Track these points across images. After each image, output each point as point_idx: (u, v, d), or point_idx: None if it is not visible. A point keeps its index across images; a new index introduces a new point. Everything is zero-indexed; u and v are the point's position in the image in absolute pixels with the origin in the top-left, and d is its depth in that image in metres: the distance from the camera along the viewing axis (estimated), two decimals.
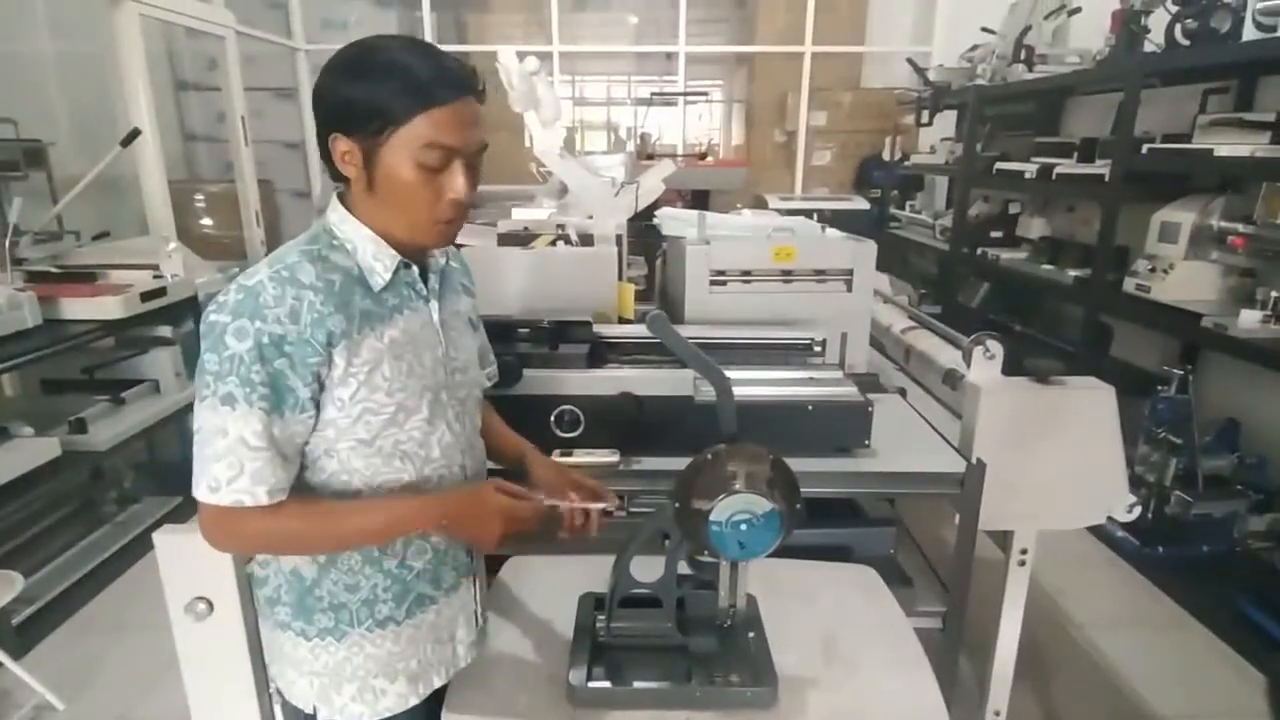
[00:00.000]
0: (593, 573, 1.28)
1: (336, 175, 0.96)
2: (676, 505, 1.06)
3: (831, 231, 1.95)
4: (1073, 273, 3.18)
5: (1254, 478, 2.55)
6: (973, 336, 1.59)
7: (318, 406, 0.94)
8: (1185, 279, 2.64)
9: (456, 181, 0.94)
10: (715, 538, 1.01)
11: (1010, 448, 1.52)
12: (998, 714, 1.76)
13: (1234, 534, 2.50)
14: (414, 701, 1.08)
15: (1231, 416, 2.72)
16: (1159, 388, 2.63)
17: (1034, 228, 3.80)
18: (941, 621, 1.56)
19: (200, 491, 0.90)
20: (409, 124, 0.90)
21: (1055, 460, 1.55)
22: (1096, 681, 2.16)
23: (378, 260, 0.97)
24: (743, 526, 1.00)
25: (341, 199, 1.00)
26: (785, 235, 1.86)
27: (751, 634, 1.18)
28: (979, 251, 3.93)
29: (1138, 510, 1.66)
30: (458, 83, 0.92)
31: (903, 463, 1.47)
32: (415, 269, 1.02)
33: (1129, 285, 2.83)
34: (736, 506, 0.99)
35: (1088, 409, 1.53)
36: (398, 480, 1.00)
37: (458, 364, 1.07)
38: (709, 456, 1.06)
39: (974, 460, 1.45)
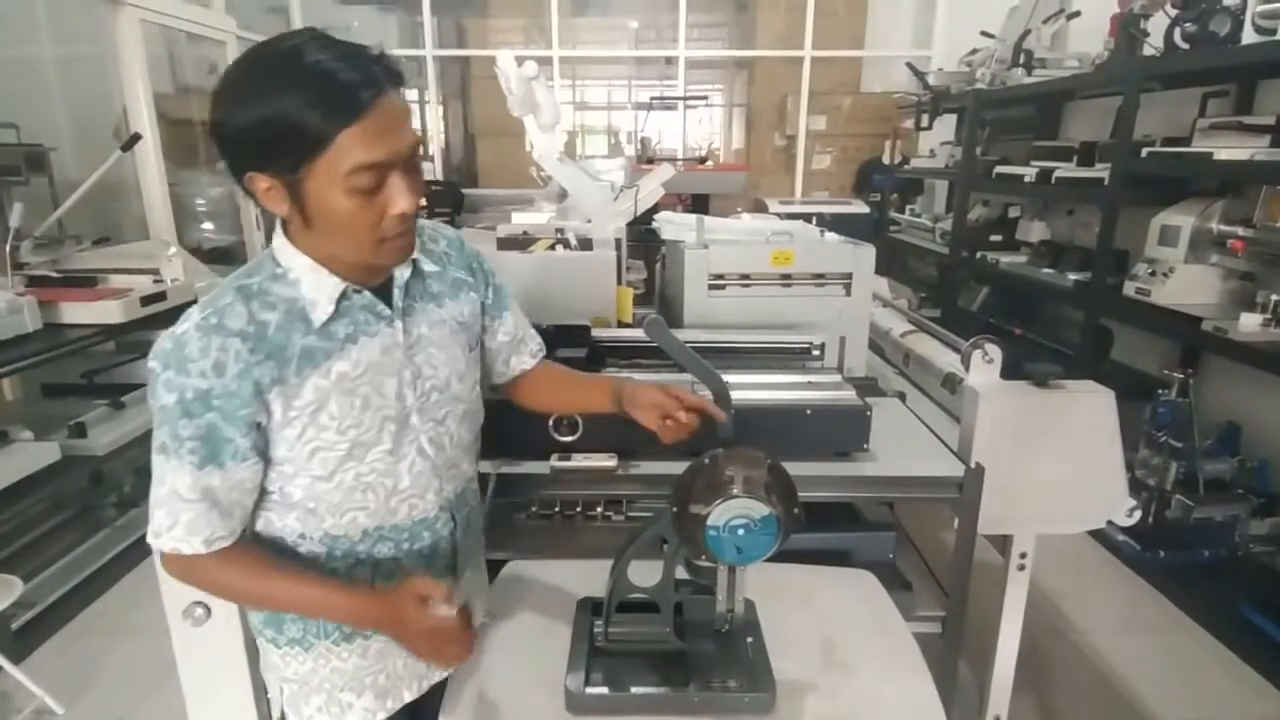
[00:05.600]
0: (591, 577, 1.27)
1: (269, 212, 0.88)
2: (674, 510, 1.06)
3: (830, 235, 1.95)
4: (1073, 276, 3.18)
5: (1255, 482, 2.54)
6: (971, 340, 1.58)
7: (265, 450, 0.91)
8: (1185, 282, 2.64)
9: (399, 198, 0.86)
10: (712, 543, 1.01)
11: (1009, 452, 1.52)
12: (998, 719, 1.76)
13: (1235, 538, 2.50)
14: (381, 717, 1.07)
15: (1232, 420, 2.72)
16: (1159, 391, 2.63)
17: (1034, 231, 3.79)
18: (941, 626, 1.55)
19: (148, 534, 0.90)
20: (327, 150, 0.81)
21: (1055, 464, 1.54)
22: (1097, 686, 2.15)
23: (319, 292, 0.91)
24: (740, 531, 1.00)
25: (284, 224, 0.93)
26: (784, 239, 1.86)
27: (750, 639, 1.18)
28: (979, 255, 3.93)
29: (1138, 514, 1.66)
30: (369, 79, 0.81)
31: (901, 467, 1.46)
32: (367, 294, 0.94)
33: (1129, 289, 2.83)
34: (734, 511, 0.99)
35: (1087, 412, 1.53)
36: (363, 509, 0.98)
37: (434, 383, 1.01)
38: (706, 461, 1.05)
39: (973, 464, 1.45)
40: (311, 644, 1.01)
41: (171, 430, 0.85)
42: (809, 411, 1.44)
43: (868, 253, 1.84)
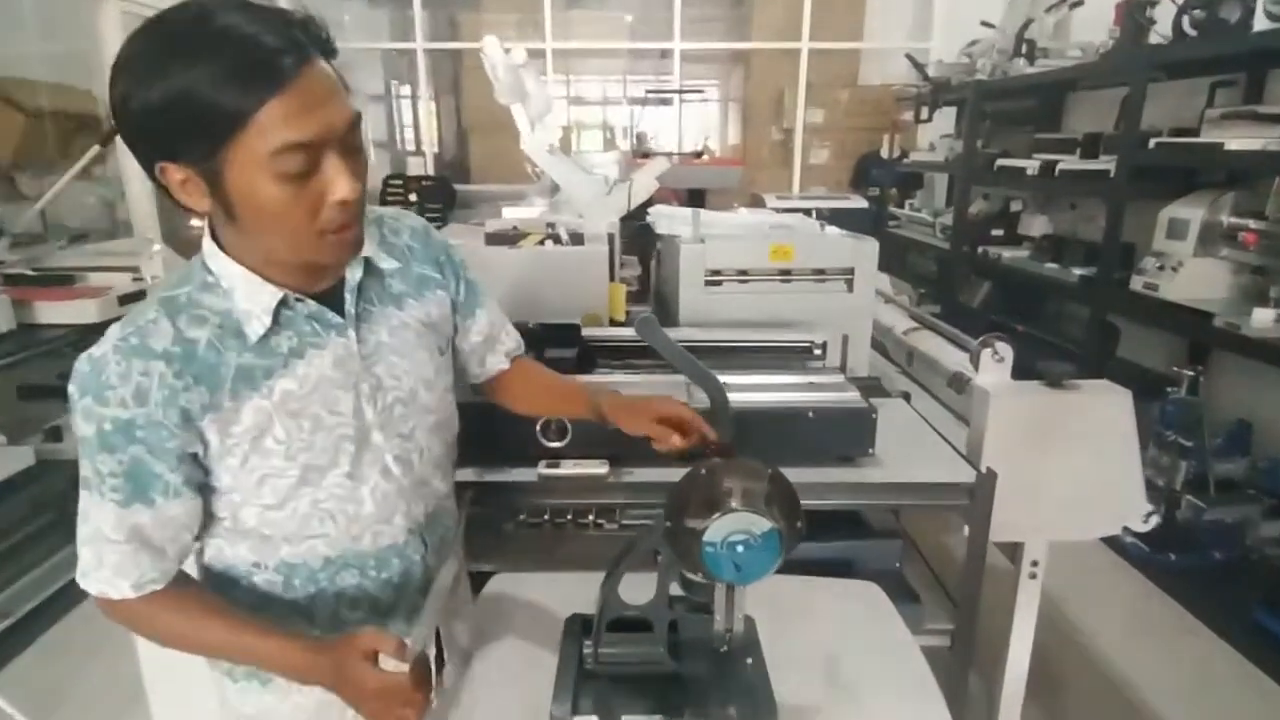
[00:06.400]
0: (582, 590, 1.18)
1: (188, 208, 0.77)
2: (668, 524, 0.98)
3: (831, 229, 1.88)
4: (1078, 271, 3.11)
5: (1267, 482, 2.47)
6: (981, 339, 1.51)
7: (204, 481, 0.82)
8: (1194, 277, 2.57)
9: (337, 181, 0.75)
10: (709, 560, 0.93)
11: (1021, 455, 1.44)
12: None
13: (1247, 540, 2.43)
14: None
15: (1242, 418, 2.65)
16: (1169, 389, 2.56)
17: (1035, 225, 3.73)
18: (950, 640, 1.48)
19: (77, 573, 0.82)
20: (246, 129, 0.70)
21: (1069, 468, 1.47)
22: (1107, 694, 2.08)
23: (253, 303, 0.81)
24: (739, 548, 0.92)
25: (212, 227, 0.82)
26: (783, 233, 1.79)
27: (749, 660, 1.10)
28: (980, 250, 3.86)
29: (1155, 520, 1.59)
30: (292, 44, 0.71)
31: (909, 472, 1.39)
32: (311, 302, 0.84)
33: (1136, 284, 2.75)
34: (732, 526, 0.92)
35: (1103, 414, 1.46)
36: (322, 537, 0.89)
37: (397, 394, 0.92)
38: (703, 471, 0.98)
39: (984, 470, 1.38)
40: (269, 679, 0.93)
41: (94, 466, 0.77)
42: (811, 414, 1.36)
43: (870, 247, 1.77)
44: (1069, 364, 1.49)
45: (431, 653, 1.02)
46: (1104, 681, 2.13)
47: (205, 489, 0.84)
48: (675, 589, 1.08)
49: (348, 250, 0.83)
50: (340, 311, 0.87)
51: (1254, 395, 2.65)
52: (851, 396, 1.41)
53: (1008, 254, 3.66)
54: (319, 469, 0.86)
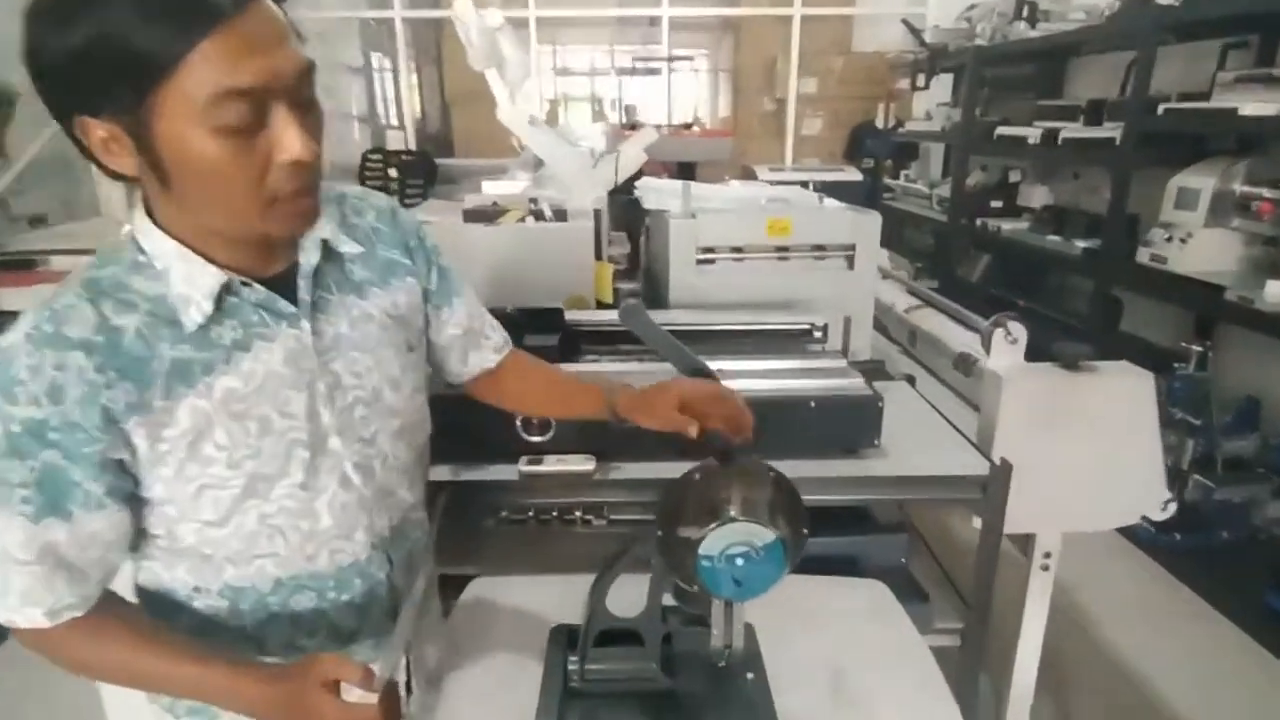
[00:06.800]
0: (569, 594, 1.09)
1: (112, 172, 0.67)
2: (659, 533, 0.88)
3: (830, 202, 1.77)
4: (1081, 244, 3.01)
5: (1278, 460, 2.40)
6: (992, 319, 1.41)
7: (130, 493, 0.72)
8: (1205, 249, 2.48)
9: (285, 136, 0.66)
10: (706, 575, 0.84)
11: (1035, 443, 1.35)
12: None
13: (1257, 520, 2.36)
14: None
15: (1251, 395, 2.57)
16: (1176, 365, 2.48)
17: (1035, 196, 3.62)
18: (960, 639, 1.40)
19: None
20: (176, 73, 0.61)
21: (1086, 456, 1.38)
22: (1114, 681, 2.02)
23: (191, 286, 0.70)
24: (739, 561, 0.83)
25: (146, 198, 0.72)
26: (780, 206, 1.68)
27: (750, 674, 1.01)
28: (978, 223, 3.75)
29: (1172, 508, 1.51)
30: None
31: (917, 464, 1.30)
32: (259, 287, 0.74)
33: (1143, 256, 2.66)
34: (732, 538, 0.82)
35: (1123, 398, 1.37)
36: (271, 556, 0.79)
37: (358, 394, 0.82)
38: (697, 476, 0.88)
39: (997, 460, 1.28)
40: (216, 715, 0.83)
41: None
42: (813, 404, 1.26)
43: (872, 221, 1.66)
44: (1083, 344, 1.39)
45: (402, 679, 0.93)
46: (1111, 666, 2.07)
47: (135, 501, 0.73)
48: (668, 598, 0.99)
49: (300, 223, 0.73)
50: (293, 300, 0.77)
51: (1264, 371, 2.57)
52: (856, 384, 1.31)
53: (1007, 226, 3.56)
54: (267, 479, 0.75)
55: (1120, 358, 1.44)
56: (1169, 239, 2.56)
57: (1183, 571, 2.40)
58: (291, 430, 0.76)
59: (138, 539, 0.77)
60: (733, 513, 0.82)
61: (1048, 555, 1.48)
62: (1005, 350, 1.39)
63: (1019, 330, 1.38)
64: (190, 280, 0.71)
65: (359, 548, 0.84)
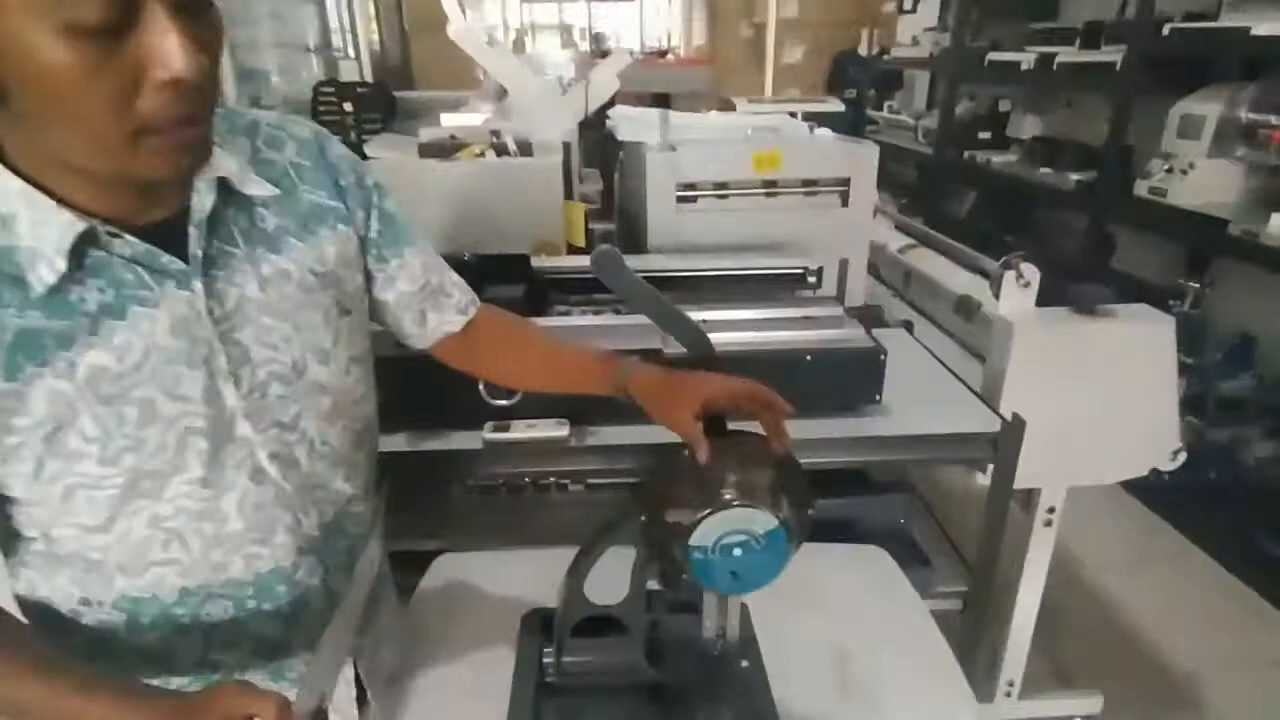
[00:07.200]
0: (545, 570, 0.94)
1: None
2: (644, 519, 0.77)
3: (822, 132, 1.61)
4: (1075, 176, 2.88)
5: (1272, 400, 2.34)
6: (1003, 259, 1.29)
7: None
8: (1207, 180, 2.35)
9: (163, 46, 0.50)
10: (699, 568, 0.72)
11: (1045, 393, 1.25)
12: (1011, 684, 1.57)
13: (1250, 460, 2.32)
14: None
15: (1246, 333, 2.50)
16: (1170, 303, 2.39)
17: (1026, 127, 3.47)
18: (962, 604, 1.32)
19: None
20: None
21: (1098, 406, 1.29)
22: (1105, 628, 1.99)
23: (40, 238, 0.55)
24: (736, 551, 0.72)
25: None
26: (767, 137, 1.52)
27: (745, 662, 0.91)
28: (966, 156, 3.60)
29: (1182, 458, 1.43)
30: None
31: (921, 422, 1.19)
32: (131, 239, 0.58)
33: (1140, 189, 2.54)
34: (728, 526, 0.71)
35: (1142, 344, 1.27)
36: (172, 564, 0.65)
37: (274, 369, 0.67)
38: (687, 452, 0.76)
39: (1008, 415, 1.18)
40: None
41: None
42: (809, 357, 1.14)
43: (868, 152, 1.52)
44: (1090, 284, 1.28)
45: (349, 693, 0.82)
46: (1101, 613, 2.04)
47: None
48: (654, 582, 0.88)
49: (181, 161, 0.56)
50: (182, 255, 0.61)
51: (1261, 308, 2.49)
52: (855, 334, 1.19)
53: (997, 159, 3.42)
54: (156, 475, 0.62)
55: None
56: (1169, 170, 2.44)
57: (1170, 513, 2.37)
58: (185, 416, 0.62)
59: (10, 541, 0.64)
60: (729, 496, 0.70)
61: (1051, 510, 1.41)
62: (1016, 294, 1.27)
63: (1031, 272, 1.27)
64: (40, 230, 0.55)
65: (281, 552, 0.70)
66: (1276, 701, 1.75)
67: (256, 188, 0.66)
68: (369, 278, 0.79)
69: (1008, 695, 1.58)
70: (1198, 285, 2.35)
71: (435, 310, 0.85)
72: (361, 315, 0.78)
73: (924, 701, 0.92)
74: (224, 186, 0.64)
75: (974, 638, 1.31)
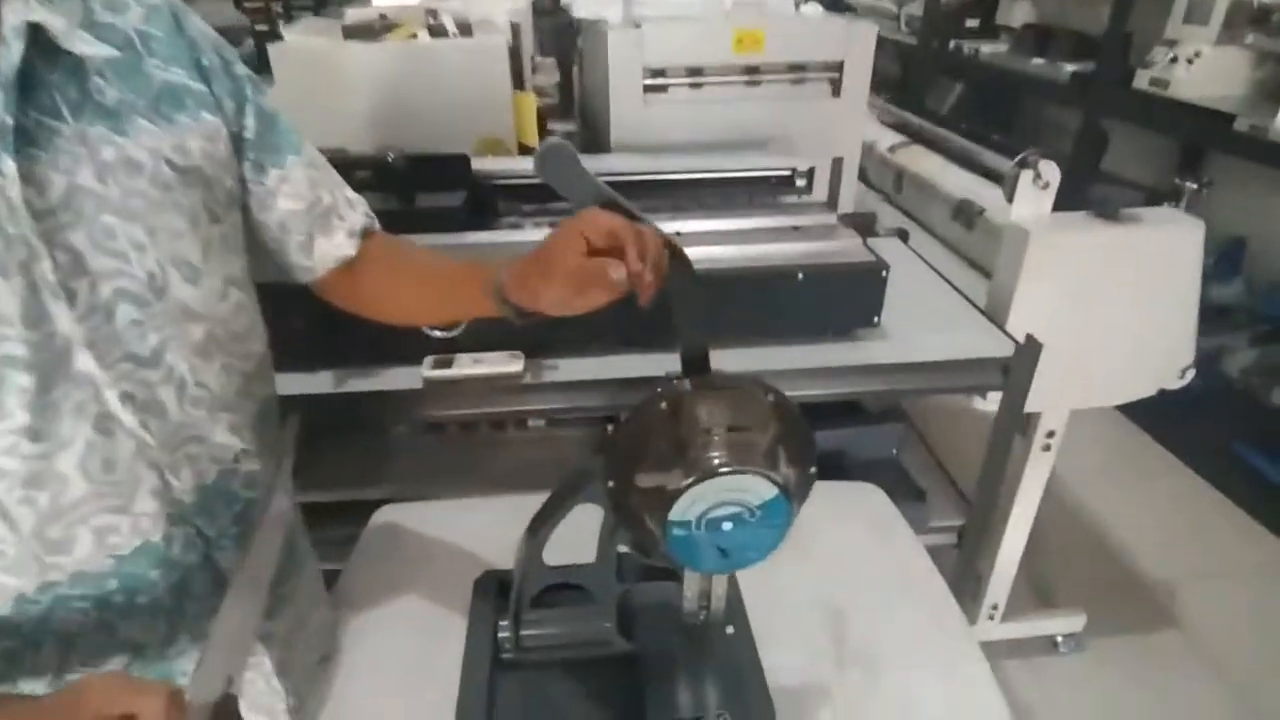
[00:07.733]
0: (502, 522, 0.80)
1: None
2: (610, 485, 0.62)
3: (810, 7, 1.39)
4: (1070, 68, 2.68)
5: (1265, 307, 2.26)
6: (1019, 157, 1.13)
7: None
8: (1213, 70, 2.19)
9: None
10: (680, 546, 0.58)
11: (1058, 309, 1.12)
12: (995, 608, 1.52)
13: (1228, 370, 2.25)
14: None
15: (1238, 236, 2.40)
16: (1167, 205, 2.26)
17: (1017, 14, 3.24)
18: (958, 538, 1.23)
19: None
20: None
21: (1115, 322, 1.16)
22: (1086, 545, 1.96)
23: None
24: (726, 525, 0.58)
25: None
26: (749, 13, 1.31)
27: (730, 628, 0.80)
28: (951, 45, 3.36)
29: (1191, 374, 1.33)
30: None
31: (923, 348, 1.05)
32: None
33: (1141, 80, 2.36)
34: (716, 497, 0.56)
35: (1169, 252, 1.13)
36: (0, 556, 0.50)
37: (124, 285, 0.51)
38: (663, 404, 0.61)
39: (1021, 338, 1.05)
40: None
41: None
42: (800, 275, 0.98)
43: (866, 31, 1.31)
44: (1129, 187, 1.13)
45: (258, 684, 0.68)
46: (1082, 530, 2.00)
47: None
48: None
49: None
50: None
51: (1260, 210, 2.37)
52: (852, 247, 1.04)
53: (985, 49, 3.19)
54: None
55: None
56: (1173, 59, 2.26)
57: (1148, 421, 2.32)
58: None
59: None
60: (717, 460, 0.56)
61: (1050, 435, 1.31)
62: (1033, 197, 1.12)
63: (1051, 171, 1.11)
64: None
65: (146, 523, 0.55)
66: (1256, 611, 1.74)
67: (90, 46, 0.49)
68: (244, 188, 0.61)
69: (990, 619, 1.53)
70: (1196, 186, 2.21)
71: (325, 234, 0.68)
72: (235, 227, 0.61)
73: (929, 666, 0.82)
74: (43, 41, 0.46)
75: (965, 570, 1.23)
